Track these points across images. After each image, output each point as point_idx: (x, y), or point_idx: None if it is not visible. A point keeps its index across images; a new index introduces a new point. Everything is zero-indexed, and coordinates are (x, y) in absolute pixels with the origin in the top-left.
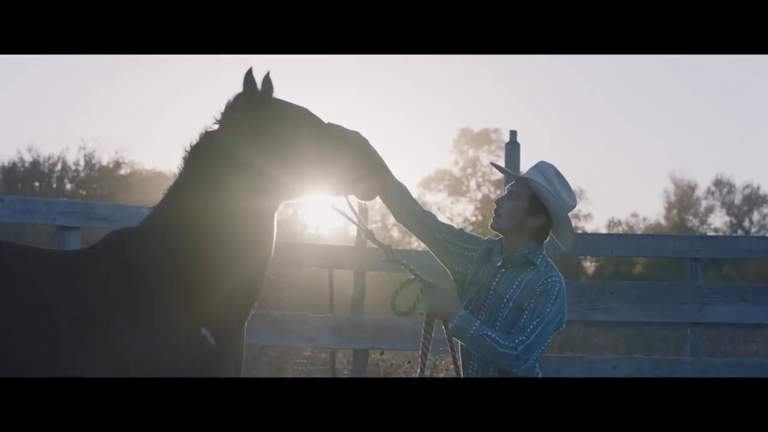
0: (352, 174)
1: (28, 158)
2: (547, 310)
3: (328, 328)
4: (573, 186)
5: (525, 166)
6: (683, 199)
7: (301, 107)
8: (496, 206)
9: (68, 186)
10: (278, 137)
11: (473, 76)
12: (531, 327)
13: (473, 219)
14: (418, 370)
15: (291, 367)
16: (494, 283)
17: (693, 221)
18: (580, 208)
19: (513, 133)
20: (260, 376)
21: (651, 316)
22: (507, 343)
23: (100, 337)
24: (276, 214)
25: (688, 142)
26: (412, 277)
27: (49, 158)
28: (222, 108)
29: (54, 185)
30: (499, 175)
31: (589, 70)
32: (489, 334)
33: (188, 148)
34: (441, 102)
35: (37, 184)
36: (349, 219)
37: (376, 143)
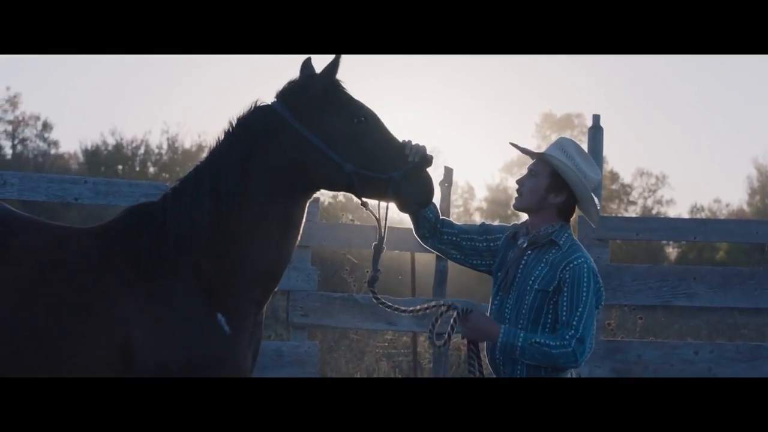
0: (410, 186)
1: (111, 141)
2: (584, 296)
3: None
4: (655, 171)
5: (608, 150)
6: (766, 185)
7: (373, 110)
8: (517, 186)
9: (151, 169)
10: (346, 121)
11: (556, 60)
12: (576, 319)
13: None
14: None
15: (372, 351)
16: (521, 266)
17: None
18: (663, 193)
19: (596, 117)
20: (342, 359)
21: (733, 302)
22: (558, 342)
23: (107, 315)
24: (306, 204)
25: None
26: (444, 306)
27: (132, 141)
28: (289, 85)
29: (137, 168)
30: None
31: (671, 57)
32: (537, 340)
33: (236, 120)
34: (524, 86)
35: (120, 167)
36: (377, 222)
37: (460, 128)
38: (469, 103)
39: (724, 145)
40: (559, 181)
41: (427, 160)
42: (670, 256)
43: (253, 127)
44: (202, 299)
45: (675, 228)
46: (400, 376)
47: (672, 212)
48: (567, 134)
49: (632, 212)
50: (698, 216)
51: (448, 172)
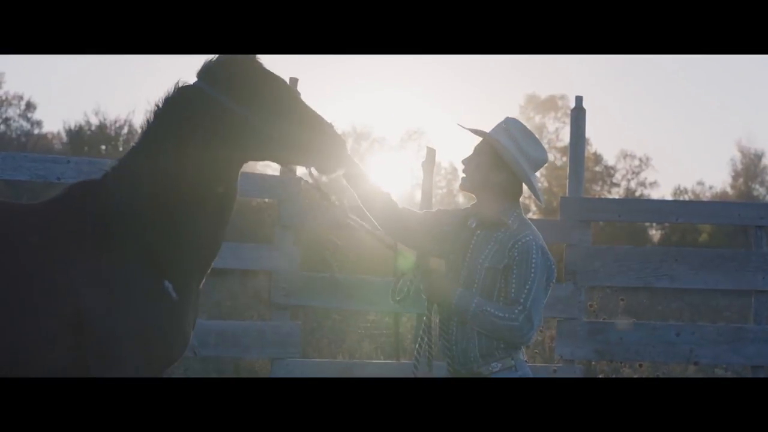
0: (324, 148)
1: (94, 121)
2: (532, 273)
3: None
4: (639, 154)
5: (591, 132)
6: (750, 168)
7: (290, 85)
8: (463, 166)
9: None
10: (266, 91)
11: None
12: (524, 295)
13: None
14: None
15: (354, 331)
16: (471, 246)
17: (759, 190)
18: (646, 176)
19: (579, 99)
20: (324, 339)
21: (715, 284)
22: (507, 315)
23: (57, 287)
24: (238, 177)
25: (755, 110)
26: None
27: (115, 121)
28: (208, 63)
29: (120, 148)
30: (565, 142)
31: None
32: (488, 309)
33: (163, 101)
34: (508, 68)
35: (103, 147)
36: (318, 191)
37: (443, 109)
38: (452, 83)
39: (707, 128)
40: (499, 160)
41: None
42: (653, 239)
43: (183, 105)
44: (149, 268)
45: (658, 210)
46: (382, 356)
47: (655, 194)
48: (551, 116)
49: (615, 194)
50: (681, 198)
51: (431, 153)
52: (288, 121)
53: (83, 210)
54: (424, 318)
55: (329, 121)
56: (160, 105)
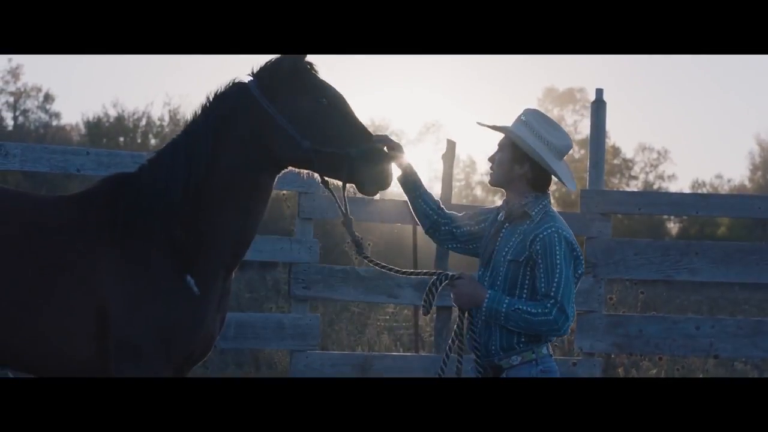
0: (367, 167)
1: (113, 113)
2: (558, 263)
3: (411, 285)
4: (657, 146)
5: (611, 125)
6: None
7: (340, 93)
8: (490, 163)
9: (153, 141)
10: (310, 102)
11: None
12: (554, 287)
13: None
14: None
15: (373, 324)
16: (499, 239)
17: None
18: (664, 168)
19: (599, 92)
20: (343, 332)
21: (735, 277)
22: (540, 310)
23: (84, 275)
24: (275, 181)
25: None
26: (435, 276)
27: (134, 113)
28: (262, 64)
29: (139, 140)
30: (583, 135)
31: None
32: (520, 307)
33: (213, 95)
34: (527, 60)
35: (121, 139)
36: (337, 203)
37: (462, 102)
38: (471, 77)
39: (726, 121)
40: (520, 152)
41: (393, 148)
42: (671, 231)
43: (226, 103)
44: (172, 261)
45: (677, 203)
46: (401, 349)
47: (674, 187)
48: (569, 108)
49: (634, 187)
50: (700, 191)
51: (451, 145)
52: (332, 139)
53: (115, 201)
54: (456, 323)
55: (388, 137)
56: (209, 98)
